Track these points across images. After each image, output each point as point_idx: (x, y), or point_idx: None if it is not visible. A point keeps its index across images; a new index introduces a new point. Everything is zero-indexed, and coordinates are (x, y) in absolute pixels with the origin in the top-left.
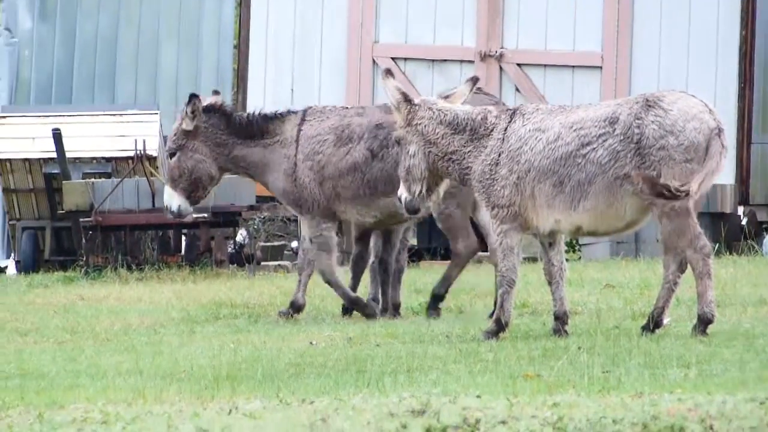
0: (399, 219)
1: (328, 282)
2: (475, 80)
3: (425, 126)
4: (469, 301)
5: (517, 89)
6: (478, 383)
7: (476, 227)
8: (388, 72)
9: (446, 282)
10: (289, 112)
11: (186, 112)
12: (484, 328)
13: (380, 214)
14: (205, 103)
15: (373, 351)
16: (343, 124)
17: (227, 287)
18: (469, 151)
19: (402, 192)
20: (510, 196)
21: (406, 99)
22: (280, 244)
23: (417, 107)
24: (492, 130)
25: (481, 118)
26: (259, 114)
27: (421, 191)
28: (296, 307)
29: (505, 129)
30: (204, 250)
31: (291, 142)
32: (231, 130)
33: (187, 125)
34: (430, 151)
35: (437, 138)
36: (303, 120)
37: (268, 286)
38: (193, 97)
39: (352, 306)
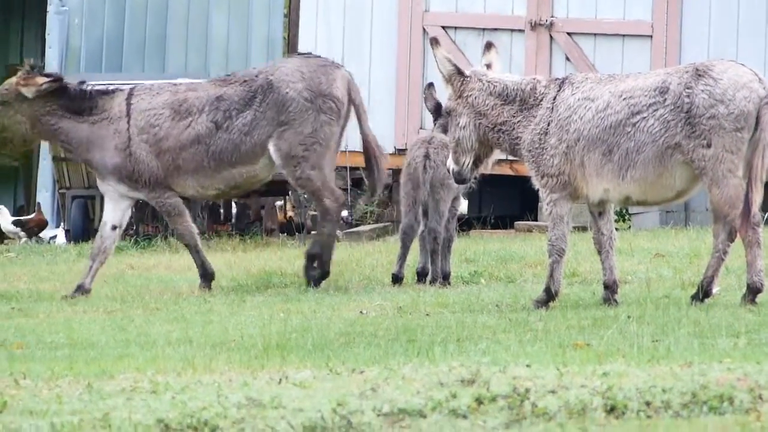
0: (243, 190)
1: (188, 246)
2: (489, 45)
3: (476, 98)
4: (519, 271)
5: (567, 58)
6: (528, 353)
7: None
8: (435, 41)
9: (324, 242)
10: (116, 90)
11: (22, 77)
12: (534, 297)
13: (224, 186)
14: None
15: (423, 320)
16: (179, 98)
17: (277, 256)
18: (518, 122)
19: (450, 163)
20: (559, 165)
21: (458, 71)
22: None
23: (468, 79)
24: (541, 100)
25: (531, 88)
26: (91, 89)
27: (469, 162)
28: (82, 290)
29: (554, 98)
30: (254, 219)
31: (120, 116)
32: (63, 102)
33: (28, 92)
34: (480, 123)
35: (487, 109)
36: (131, 95)
37: None
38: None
39: (204, 278)
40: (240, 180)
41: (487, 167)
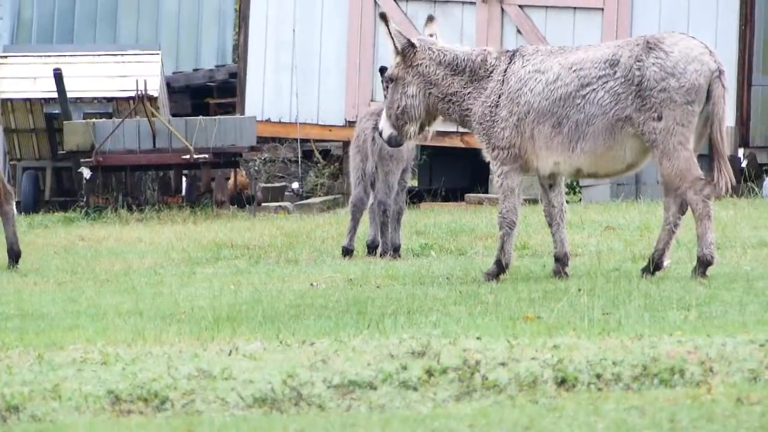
0: None
1: None
2: (430, 18)
3: (426, 66)
4: (470, 243)
5: (518, 31)
6: (479, 325)
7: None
8: (384, 16)
9: None
10: None
11: None
12: (484, 269)
13: None
14: None
15: (373, 293)
16: None
17: (228, 228)
18: (468, 93)
19: (384, 127)
20: (510, 138)
21: (410, 43)
22: (281, 185)
23: (418, 49)
24: (492, 72)
25: (481, 60)
26: None
27: (414, 131)
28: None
29: (505, 71)
30: (204, 191)
31: None
32: None
33: None
34: (430, 92)
35: (438, 79)
36: None
37: (269, 227)
38: None
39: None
40: None
41: (427, 138)
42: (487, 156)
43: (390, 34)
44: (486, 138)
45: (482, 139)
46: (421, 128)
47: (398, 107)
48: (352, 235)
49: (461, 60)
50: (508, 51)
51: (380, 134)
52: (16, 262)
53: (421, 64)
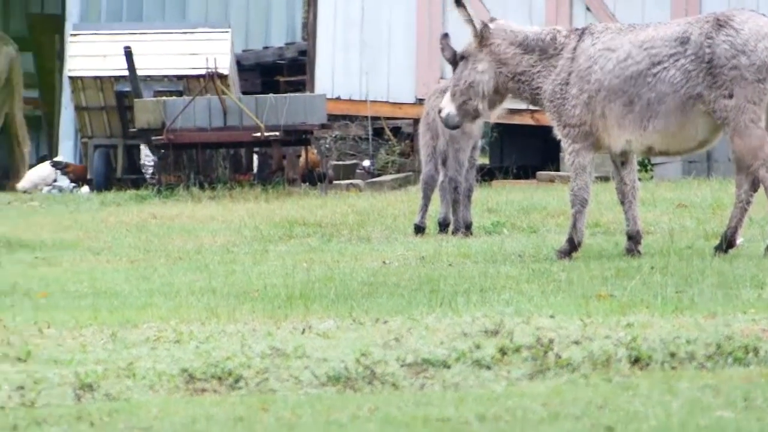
0: None
1: None
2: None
3: (498, 46)
4: (542, 221)
5: (587, 8)
6: (551, 303)
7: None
8: (459, 2)
9: None
10: None
11: None
12: (557, 247)
13: None
14: None
15: (445, 270)
16: None
17: (299, 206)
18: (538, 71)
19: (445, 105)
20: (581, 116)
21: (485, 24)
22: (352, 163)
23: (492, 30)
24: (561, 50)
25: (551, 38)
26: None
27: (481, 107)
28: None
29: (575, 48)
30: (276, 169)
31: None
32: None
33: None
34: (500, 71)
35: (507, 58)
36: None
37: (340, 205)
38: None
39: None
40: None
41: (492, 117)
42: (558, 134)
43: (469, 18)
44: (557, 116)
45: (553, 116)
46: (491, 105)
47: (465, 82)
48: (423, 213)
49: (531, 39)
50: (577, 29)
51: (439, 112)
52: None
53: (493, 43)
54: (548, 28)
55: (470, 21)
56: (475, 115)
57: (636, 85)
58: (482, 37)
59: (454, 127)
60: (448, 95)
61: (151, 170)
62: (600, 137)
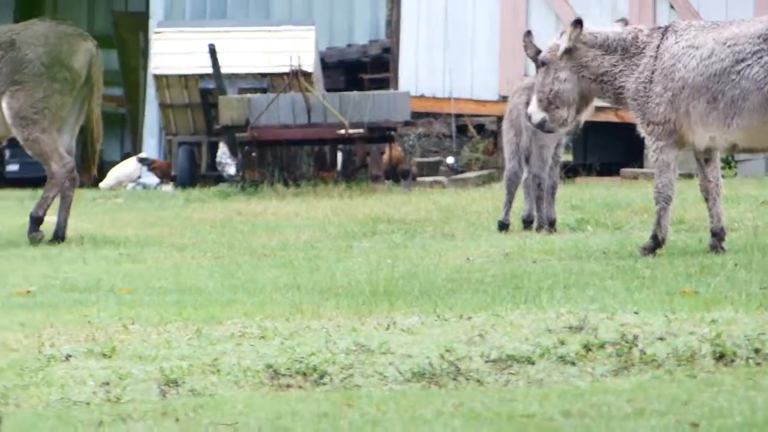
0: None
1: None
2: (625, 22)
3: (578, 50)
4: (626, 218)
5: (671, 6)
6: (635, 299)
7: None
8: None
9: (44, 204)
10: None
11: None
12: (641, 244)
13: None
14: None
15: (529, 267)
16: None
17: (383, 203)
18: (620, 71)
19: (534, 111)
20: (665, 114)
21: (574, 44)
22: (436, 160)
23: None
24: (644, 48)
25: (632, 38)
26: None
27: (571, 115)
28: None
29: (658, 46)
30: (359, 166)
31: None
32: None
33: None
34: (582, 75)
35: (588, 60)
36: None
37: (424, 202)
38: None
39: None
40: None
41: (581, 121)
42: (642, 131)
43: (568, 35)
44: (641, 113)
45: (637, 114)
46: (577, 112)
47: (551, 91)
48: (507, 209)
49: (612, 40)
50: (659, 27)
51: (529, 119)
52: (58, 242)
53: (572, 48)
54: (629, 27)
55: (568, 35)
56: (563, 123)
57: (720, 82)
58: (569, 51)
59: (549, 131)
60: (534, 100)
61: (226, 168)
62: (684, 134)
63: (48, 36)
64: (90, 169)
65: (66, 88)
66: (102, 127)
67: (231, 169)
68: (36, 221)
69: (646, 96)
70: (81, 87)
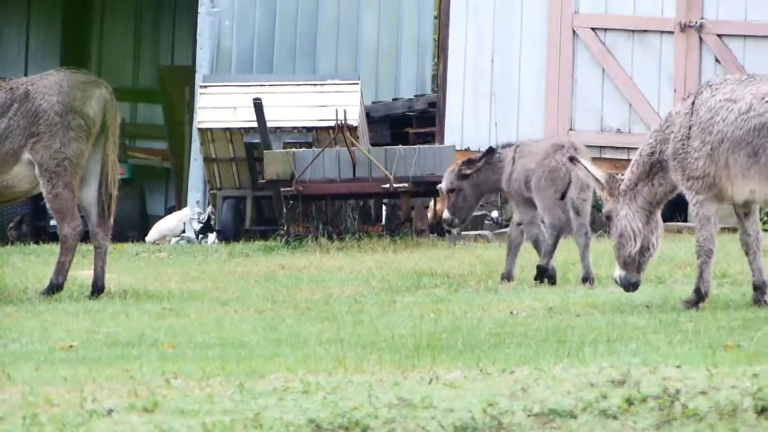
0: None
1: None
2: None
3: (624, 182)
4: (669, 271)
5: (717, 60)
6: (678, 353)
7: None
8: (572, 159)
9: (62, 269)
10: None
11: None
12: (684, 298)
13: None
14: None
15: (573, 321)
16: None
17: (427, 257)
18: (660, 151)
19: (617, 271)
20: (704, 167)
21: (609, 176)
22: (481, 214)
23: (616, 180)
24: (675, 118)
25: (666, 127)
26: None
27: (640, 244)
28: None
29: (692, 103)
30: (404, 220)
31: None
32: None
33: None
34: (636, 194)
35: (643, 189)
36: None
37: (468, 256)
38: None
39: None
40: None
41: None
42: (683, 186)
43: (589, 173)
44: (681, 170)
45: (677, 171)
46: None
47: (621, 236)
48: (549, 258)
49: (647, 152)
50: (689, 95)
51: (616, 281)
52: (98, 295)
53: (620, 186)
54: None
55: (592, 175)
56: (642, 260)
57: (760, 136)
58: (610, 186)
59: (636, 288)
60: (617, 264)
61: (192, 223)
62: (723, 188)
63: (61, 85)
64: (106, 218)
65: (82, 135)
66: (117, 174)
67: (195, 225)
68: (56, 288)
69: (685, 152)
70: (98, 135)
